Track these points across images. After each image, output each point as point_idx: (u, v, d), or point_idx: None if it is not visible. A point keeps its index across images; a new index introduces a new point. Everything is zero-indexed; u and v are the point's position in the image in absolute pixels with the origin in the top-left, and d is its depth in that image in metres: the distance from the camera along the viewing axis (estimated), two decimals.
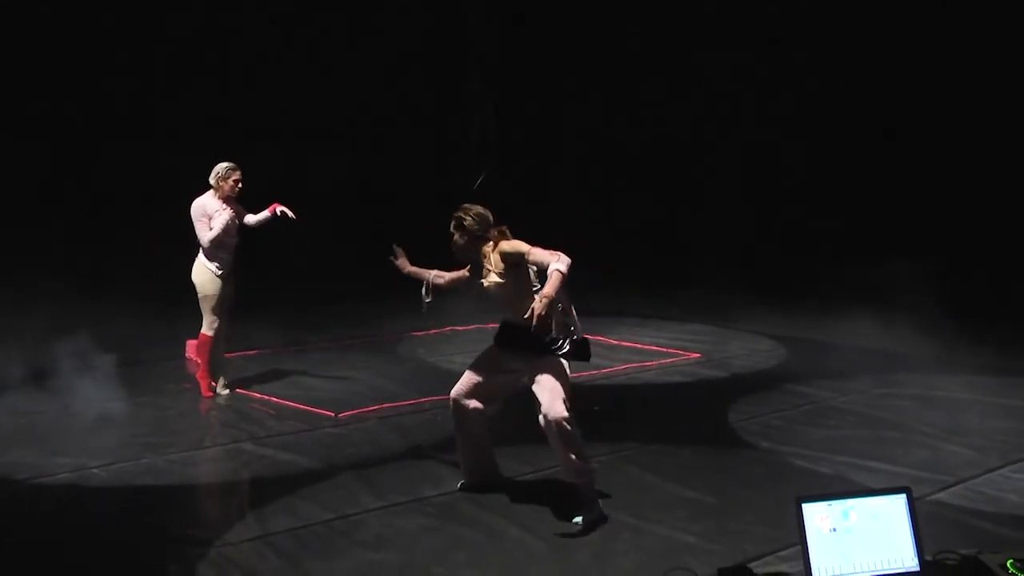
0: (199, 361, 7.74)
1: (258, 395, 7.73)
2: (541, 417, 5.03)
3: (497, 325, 5.40)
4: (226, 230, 7.32)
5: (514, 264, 5.11)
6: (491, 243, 5.23)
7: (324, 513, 5.25)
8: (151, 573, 4.52)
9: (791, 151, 12.86)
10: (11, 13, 10.48)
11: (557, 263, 4.86)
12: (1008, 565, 3.27)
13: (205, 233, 7.26)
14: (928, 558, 3.41)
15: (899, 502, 3.48)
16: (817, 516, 3.39)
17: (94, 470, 5.94)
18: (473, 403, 5.38)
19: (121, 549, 4.78)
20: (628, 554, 4.71)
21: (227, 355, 7.79)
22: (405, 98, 13.83)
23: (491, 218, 5.28)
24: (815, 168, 12.55)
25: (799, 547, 3.36)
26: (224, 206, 7.31)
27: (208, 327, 7.49)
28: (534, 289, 5.09)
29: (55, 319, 7.92)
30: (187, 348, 8.75)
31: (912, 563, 3.37)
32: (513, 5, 14.71)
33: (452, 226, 5.30)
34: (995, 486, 5.74)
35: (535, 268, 5.10)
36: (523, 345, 5.12)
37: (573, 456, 5.06)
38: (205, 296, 7.43)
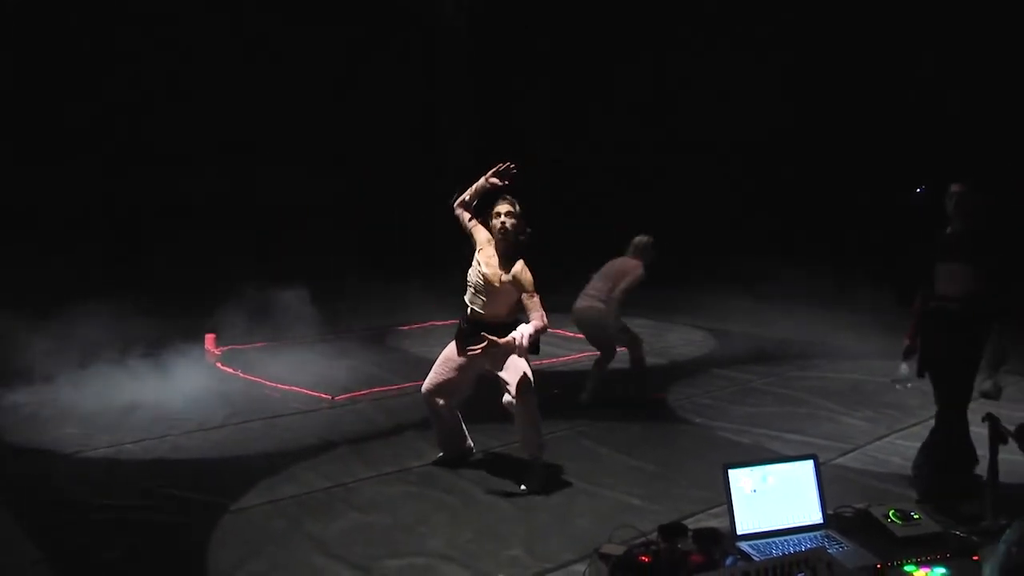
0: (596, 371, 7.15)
1: (266, 381, 7.70)
2: (507, 397, 5.02)
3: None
4: None
5: (515, 284, 5.01)
6: (511, 254, 5.06)
7: (323, 481, 5.25)
8: (175, 532, 4.51)
9: (728, 158, 12.88)
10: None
11: (537, 321, 4.86)
12: (891, 514, 3.34)
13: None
14: (830, 512, 3.46)
15: (807, 467, 3.53)
16: (741, 480, 3.41)
17: (128, 445, 5.93)
18: (442, 396, 5.36)
19: (150, 512, 4.76)
20: (583, 514, 4.75)
21: (241, 347, 7.70)
22: (392, 124, 13.80)
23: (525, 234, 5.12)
24: (750, 173, 12.60)
25: (726, 506, 3.40)
26: None
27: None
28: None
29: (96, 319, 7.85)
30: (206, 341, 8.69)
31: (817, 517, 3.42)
32: (488, 40, 14.68)
33: (508, 209, 5.03)
34: (883, 451, 5.88)
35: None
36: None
37: (530, 432, 5.08)
38: (610, 336, 7.01)
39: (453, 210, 5.26)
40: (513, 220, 5.05)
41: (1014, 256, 4.85)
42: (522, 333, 4.84)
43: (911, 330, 5.14)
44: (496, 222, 5.06)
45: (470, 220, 5.23)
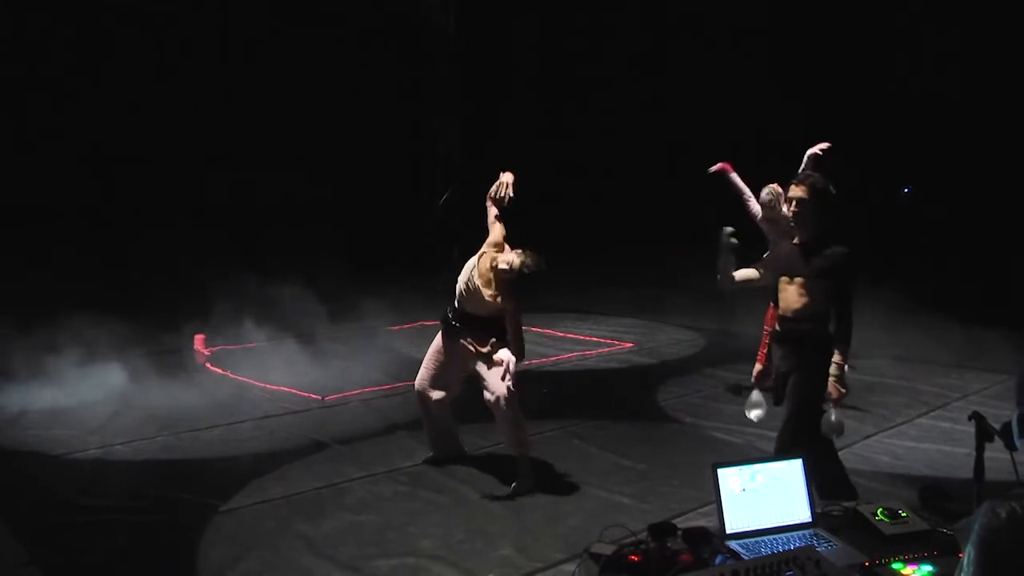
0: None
1: (256, 381, 7.68)
2: (487, 395, 5.03)
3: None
4: None
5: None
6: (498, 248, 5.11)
7: (314, 482, 5.25)
8: (165, 533, 4.50)
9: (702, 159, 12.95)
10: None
11: (510, 355, 4.93)
12: (878, 512, 3.35)
13: None
14: (818, 511, 3.48)
15: (796, 466, 3.54)
16: (730, 479, 3.42)
17: (118, 447, 5.90)
18: (434, 391, 5.37)
19: (140, 513, 4.76)
20: (573, 514, 4.76)
21: (231, 347, 7.68)
22: (382, 125, 13.79)
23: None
24: (746, 171, 12.62)
25: (715, 505, 3.41)
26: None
27: None
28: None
29: (87, 319, 7.82)
30: (195, 342, 8.67)
31: (806, 516, 3.43)
32: (476, 38, 14.66)
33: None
34: (870, 450, 5.90)
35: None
36: (470, 331, 5.10)
37: (514, 430, 5.08)
38: None
39: (488, 198, 5.31)
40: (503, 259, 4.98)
41: (856, 273, 4.27)
42: (508, 362, 4.90)
43: (763, 351, 4.56)
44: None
45: (495, 216, 5.28)
